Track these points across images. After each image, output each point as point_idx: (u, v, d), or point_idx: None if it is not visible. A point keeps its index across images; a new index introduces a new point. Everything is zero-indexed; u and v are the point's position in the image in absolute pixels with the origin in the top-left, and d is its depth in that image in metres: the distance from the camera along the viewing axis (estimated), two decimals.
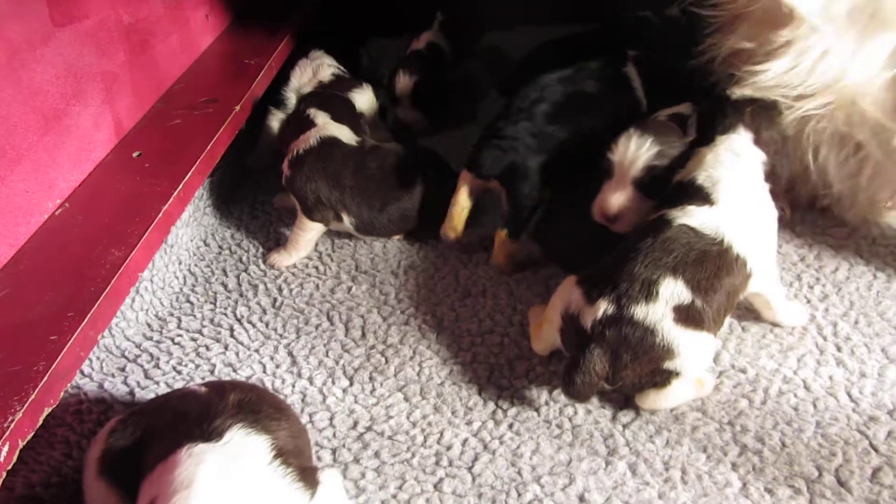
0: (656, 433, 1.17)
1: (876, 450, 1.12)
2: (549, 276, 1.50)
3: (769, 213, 1.29)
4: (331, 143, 1.56)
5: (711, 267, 1.17)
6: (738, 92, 1.38)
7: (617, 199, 1.35)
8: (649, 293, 1.13)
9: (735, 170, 1.28)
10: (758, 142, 1.32)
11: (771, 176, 1.33)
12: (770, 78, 1.35)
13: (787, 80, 1.35)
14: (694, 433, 1.16)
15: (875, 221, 1.54)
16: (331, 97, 1.69)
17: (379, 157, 1.58)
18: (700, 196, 1.24)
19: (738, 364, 1.27)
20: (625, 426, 1.18)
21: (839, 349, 1.29)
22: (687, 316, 1.13)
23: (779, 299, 1.31)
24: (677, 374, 1.15)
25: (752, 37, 1.39)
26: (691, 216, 1.21)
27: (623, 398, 1.23)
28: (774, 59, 1.34)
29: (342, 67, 1.89)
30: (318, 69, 1.86)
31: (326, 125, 1.59)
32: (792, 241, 1.55)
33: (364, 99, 1.78)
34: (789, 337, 1.32)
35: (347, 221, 1.57)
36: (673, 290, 1.14)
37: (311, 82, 1.84)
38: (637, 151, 1.33)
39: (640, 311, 1.12)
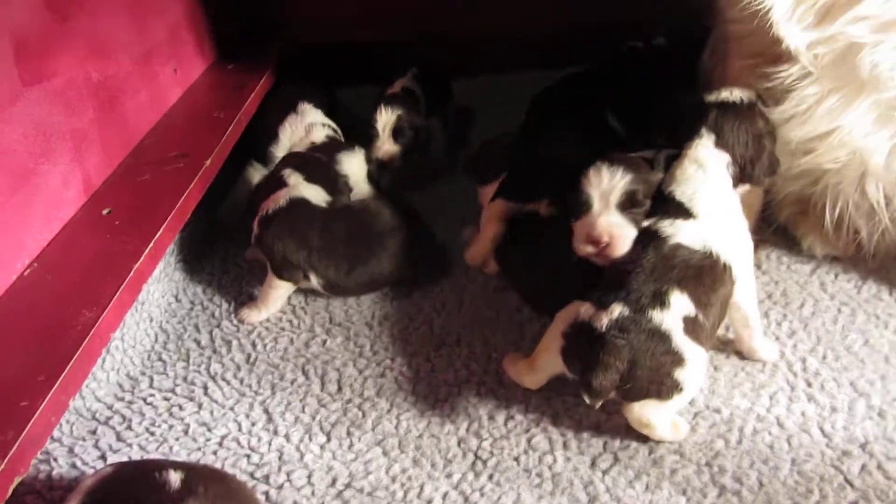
0: (636, 478, 1.17)
1: (851, 484, 1.13)
2: (523, 322, 1.51)
3: (739, 215, 1.33)
4: (299, 203, 1.56)
5: (708, 281, 1.22)
6: (710, 96, 1.38)
7: (605, 221, 1.30)
8: (662, 302, 1.18)
9: (703, 180, 1.31)
10: (722, 144, 1.33)
11: (745, 177, 1.35)
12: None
13: (786, 123, 1.36)
14: (673, 476, 1.17)
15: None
16: (308, 158, 1.70)
17: (347, 218, 1.59)
18: (682, 211, 1.28)
19: (712, 404, 1.28)
20: (604, 472, 1.19)
21: (809, 385, 1.31)
22: (692, 328, 1.19)
23: (755, 314, 1.34)
24: (680, 388, 1.18)
25: (753, 68, 1.40)
26: (681, 233, 1.25)
27: (602, 444, 1.23)
28: (775, 102, 1.36)
29: (334, 125, 1.92)
30: (310, 129, 1.87)
31: (298, 185, 1.60)
32: (759, 279, 1.58)
33: (354, 162, 1.79)
34: (760, 375, 1.34)
35: (315, 282, 1.57)
36: (681, 302, 1.19)
37: (302, 142, 1.85)
38: (612, 179, 1.32)
39: (657, 316, 1.17)
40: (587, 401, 1.18)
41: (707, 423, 1.25)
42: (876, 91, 1.25)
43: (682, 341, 1.17)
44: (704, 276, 1.22)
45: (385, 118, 1.95)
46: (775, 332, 1.44)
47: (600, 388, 1.15)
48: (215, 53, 2.19)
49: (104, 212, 1.49)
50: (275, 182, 1.62)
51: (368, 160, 1.86)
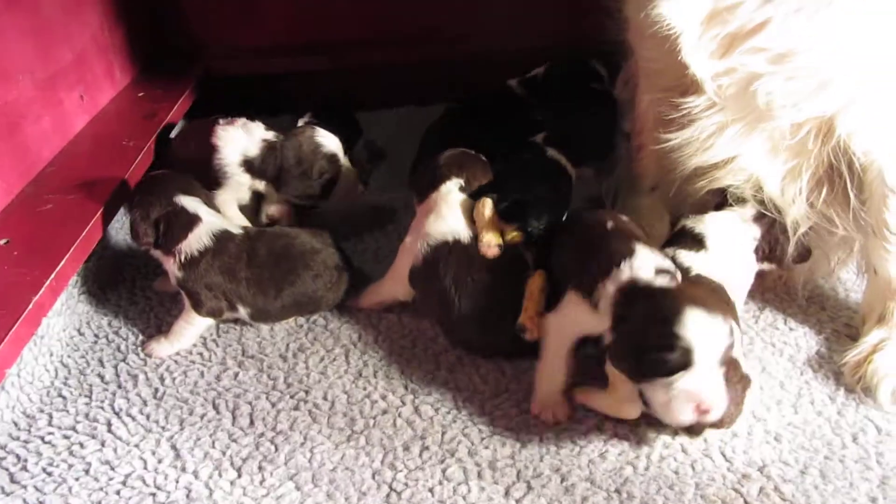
0: None
1: None
2: (438, 353, 1.51)
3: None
4: (224, 237, 1.52)
5: None
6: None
7: (719, 391, 1.15)
8: None
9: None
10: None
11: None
12: (674, 143, 1.42)
13: (686, 149, 1.42)
14: (584, 503, 1.19)
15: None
16: (188, 180, 1.60)
17: (267, 242, 1.56)
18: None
19: (620, 432, 1.32)
20: (517, 501, 1.20)
21: None
22: None
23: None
24: None
25: (662, 100, 1.46)
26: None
27: (515, 473, 1.24)
28: (679, 128, 1.41)
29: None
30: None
31: (210, 218, 1.54)
32: None
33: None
34: None
35: (243, 311, 1.54)
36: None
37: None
38: (720, 336, 1.14)
39: None
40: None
41: (616, 450, 1.28)
42: (770, 120, 1.33)
43: None
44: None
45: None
46: None
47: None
48: (126, 80, 2.14)
49: (1, 242, 1.43)
50: (183, 218, 1.52)
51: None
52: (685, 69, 1.31)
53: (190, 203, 1.53)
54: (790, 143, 1.35)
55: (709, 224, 1.43)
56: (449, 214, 1.51)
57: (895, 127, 1.31)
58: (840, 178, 1.39)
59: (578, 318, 1.30)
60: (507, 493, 1.21)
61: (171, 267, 1.51)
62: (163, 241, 1.51)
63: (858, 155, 1.32)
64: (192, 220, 1.52)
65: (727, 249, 1.42)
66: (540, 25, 2.23)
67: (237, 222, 1.65)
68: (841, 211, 1.41)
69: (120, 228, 1.86)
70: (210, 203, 1.59)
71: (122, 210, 1.65)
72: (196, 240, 1.50)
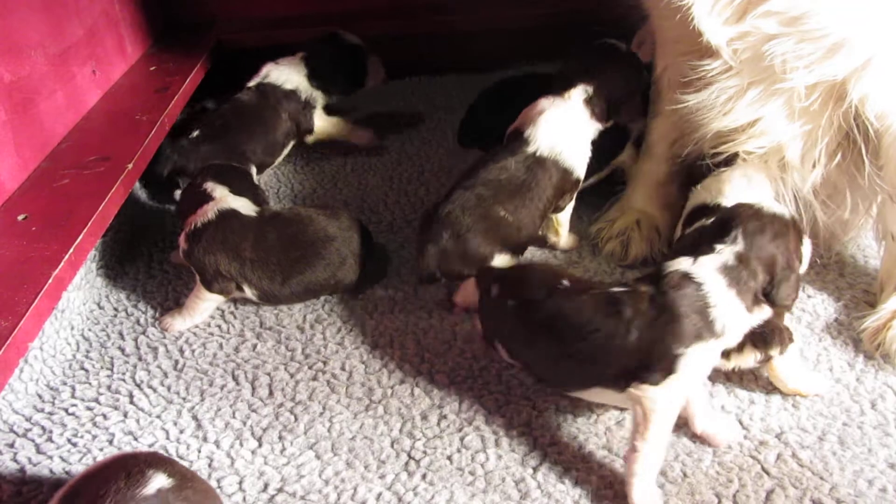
0: (565, 472, 1.20)
1: (767, 473, 1.19)
2: (455, 323, 1.52)
3: None
4: (229, 215, 1.52)
5: None
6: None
7: None
8: None
9: None
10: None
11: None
12: (692, 104, 1.41)
13: (705, 113, 1.40)
14: (601, 470, 1.20)
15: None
16: (228, 169, 1.65)
17: (279, 227, 1.54)
18: None
19: None
20: (535, 469, 1.21)
21: (728, 379, 1.36)
22: None
23: None
24: None
25: (679, 63, 1.45)
26: None
27: (532, 441, 1.25)
28: (697, 90, 1.40)
29: None
30: None
31: (225, 198, 1.55)
32: None
33: None
34: None
35: (249, 292, 1.54)
36: None
37: None
38: None
39: None
40: None
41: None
42: (784, 82, 1.31)
43: None
44: None
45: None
46: None
47: None
48: (137, 54, 2.13)
49: (20, 217, 1.44)
50: (198, 195, 1.56)
51: None
52: (700, 35, 1.30)
53: (212, 185, 1.57)
54: (804, 105, 1.33)
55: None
56: None
57: None
58: (854, 144, 1.37)
59: None
60: (523, 462, 1.22)
61: (181, 240, 1.53)
62: (177, 213, 1.57)
63: (872, 120, 1.30)
64: (205, 197, 1.54)
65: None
66: None
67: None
68: (857, 176, 1.39)
69: (135, 203, 1.87)
70: (243, 191, 1.60)
71: (137, 184, 1.65)
72: (202, 214, 1.52)
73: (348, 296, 1.60)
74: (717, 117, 1.40)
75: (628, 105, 1.68)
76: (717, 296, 1.14)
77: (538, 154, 1.55)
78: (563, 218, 1.68)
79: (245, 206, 1.56)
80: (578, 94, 1.58)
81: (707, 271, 1.15)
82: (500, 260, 1.52)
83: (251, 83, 1.98)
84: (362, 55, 2.08)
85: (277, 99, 1.96)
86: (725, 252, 1.17)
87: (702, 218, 1.35)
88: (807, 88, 1.30)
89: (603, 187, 1.80)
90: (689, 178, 1.57)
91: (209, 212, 1.52)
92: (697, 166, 1.54)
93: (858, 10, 1.20)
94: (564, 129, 1.57)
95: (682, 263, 1.17)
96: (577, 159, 1.58)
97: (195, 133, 1.87)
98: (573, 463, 1.22)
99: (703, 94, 1.38)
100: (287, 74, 1.99)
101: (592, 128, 1.60)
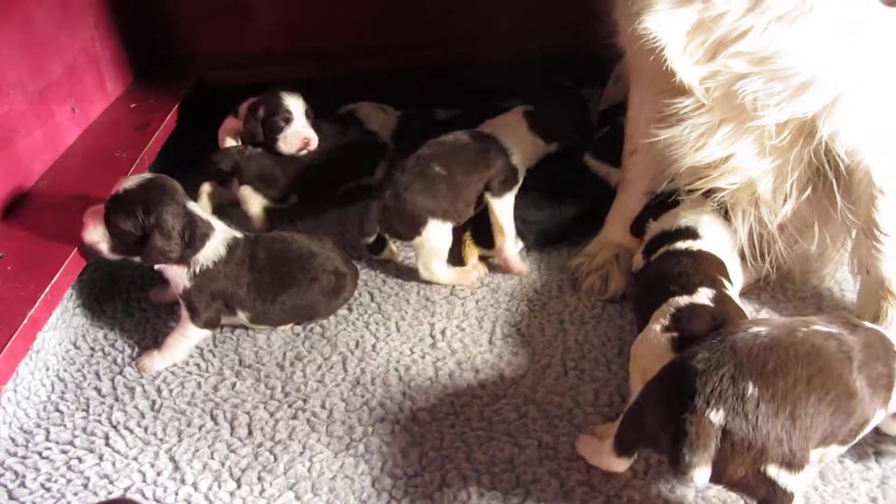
0: None
1: None
2: (437, 360, 1.51)
3: None
4: (233, 244, 1.52)
5: None
6: None
7: None
8: None
9: None
10: None
11: None
12: (664, 141, 1.44)
13: (678, 148, 1.43)
14: None
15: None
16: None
17: (265, 246, 1.56)
18: None
19: None
20: None
21: None
22: None
23: None
24: None
25: (653, 101, 1.48)
26: None
27: (515, 478, 1.24)
28: (669, 127, 1.43)
29: None
30: None
31: (219, 224, 1.54)
32: None
33: None
34: None
35: (242, 315, 1.54)
36: None
37: None
38: None
39: None
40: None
41: None
42: (755, 120, 1.34)
43: None
44: None
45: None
46: None
47: None
48: (117, 91, 2.14)
49: None
50: (204, 226, 1.48)
51: None
52: (674, 74, 1.33)
53: (196, 208, 1.51)
54: (775, 143, 1.36)
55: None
56: None
57: (881, 127, 1.32)
58: (825, 179, 1.40)
59: None
60: (505, 499, 1.21)
61: (181, 277, 1.49)
62: (184, 253, 1.46)
63: (843, 156, 1.33)
64: (209, 229, 1.50)
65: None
66: (533, 31, 2.24)
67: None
68: (830, 210, 1.42)
69: None
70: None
71: None
72: (212, 250, 1.49)
73: (329, 329, 1.59)
74: (689, 153, 1.43)
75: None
76: None
77: (484, 131, 1.77)
78: (503, 213, 1.74)
79: (235, 230, 1.57)
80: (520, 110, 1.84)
81: None
82: (436, 227, 1.65)
83: None
84: None
85: None
86: None
87: (662, 246, 1.47)
88: (777, 126, 1.34)
89: (582, 224, 1.82)
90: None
91: (219, 246, 1.50)
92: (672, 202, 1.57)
93: (827, 49, 1.23)
94: (506, 125, 1.81)
95: None
96: (515, 147, 1.76)
97: None
98: (555, 500, 1.21)
99: (677, 129, 1.40)
100: None
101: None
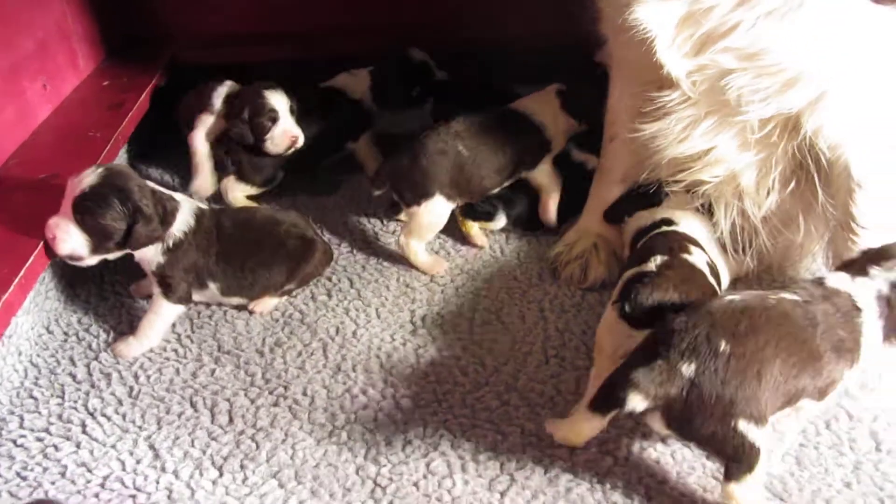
0: (532, 498, 1.20)
1: None
2: (419, 347, 1.51)
3: None
4: (200, 214, 1.52)
5: None
6: None
7: None
8: None
9: None
10: None
11: None
12: (647, 134, 1.45)
13: (661, 140, 1.44)
14: (568, 494, 1.21)
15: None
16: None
17: (231, 215, 1.59)
18: None
19: None
20: (502, 494, 1.21)
21: None
22: None
23: None
24: None
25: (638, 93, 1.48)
26: None
27: (499, 466, 1.25)
28: (654, 120, 1.43)
29: None
30: None
31: (181, 196, 1.53)
32: None
33: None
34: None
35: (213, 287, 1.53)
36: None
37: None
38: None
39: None
40: None
41: (597, 440, 1.30)
42: (740, 115, 1.35)
43: None
44: None
45: None
46: None
47: None
48: (89, 68, 2.08)
49: None
50: (171, 201, 1.48)
51: None
52: (661, 67, 1.33)
53: (154, 186, 1.49)
54: (758, 136, 1.38)
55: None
56: None
57: (861, 123, 1.35)
58: (807, 173, 1.42)
59: None
60: (490, 487, 1.22)
61: (153, 254, 1.47)
62: (148, 233, 1.43)
63: (825, 150, 1.35)
64: (175, 203, 1.49)
65: None
66: (517, 19, 2.23)
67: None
68: (813, 203, 1.44)
69: None
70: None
71: None
72: (183, 221, 1.49)
73: (308, 315, 1.58)
74: (672, 144, 1.44)
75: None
76: None
77: (513, 108, 1.78)
78: (542, 178, 1.79)
79: (199, 201, 1.58)
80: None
81: None
82: (439, 204, 1.68)
83: None
84: None
85: None
86: None
87: (645, 237, 1.48)
88: (761, 120, 1.35)
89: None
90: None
91: (188, 217, 1.49)
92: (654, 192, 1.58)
93: (813, 46, 1.24)
94: (540, 102, 1.81)
95: None
96: (549, 124, 1.78)
97: None
98: (540, 487, 1.22)
99: (661, 123, 1.41)
100: None
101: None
